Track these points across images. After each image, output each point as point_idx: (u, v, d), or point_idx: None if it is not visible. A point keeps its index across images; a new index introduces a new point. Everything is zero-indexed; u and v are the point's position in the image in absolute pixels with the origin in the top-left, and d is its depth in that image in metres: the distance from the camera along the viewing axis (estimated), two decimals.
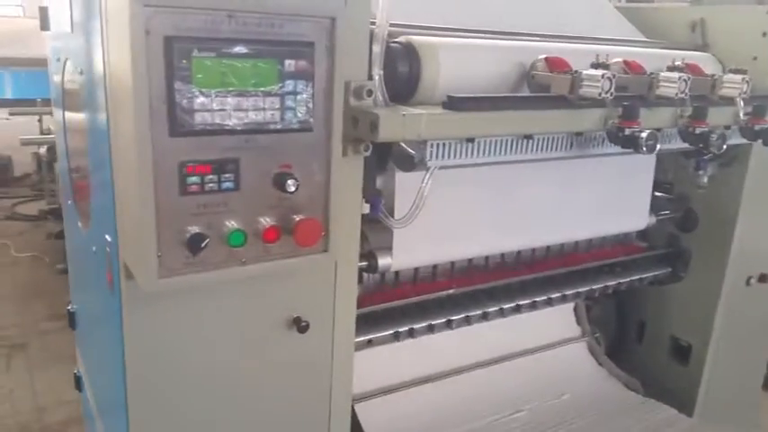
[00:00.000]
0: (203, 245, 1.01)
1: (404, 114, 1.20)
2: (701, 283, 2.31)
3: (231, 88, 0.99)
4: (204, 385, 1.27)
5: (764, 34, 2.04)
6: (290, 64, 1.02)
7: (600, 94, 1.36)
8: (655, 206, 2.31)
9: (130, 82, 0.91)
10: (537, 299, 2.04)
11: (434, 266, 1.87)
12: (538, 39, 1.70)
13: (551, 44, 1.62)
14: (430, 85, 1.42)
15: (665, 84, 1.52)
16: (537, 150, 1.49)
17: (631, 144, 1.44)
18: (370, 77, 1.25)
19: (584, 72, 1.39)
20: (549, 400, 2.31)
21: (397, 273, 1.81)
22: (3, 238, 5.57)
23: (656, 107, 1.57)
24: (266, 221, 1.07)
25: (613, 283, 2.22)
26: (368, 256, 1.67)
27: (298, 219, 1.10)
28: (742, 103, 1.71)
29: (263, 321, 1.29)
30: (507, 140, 1.42)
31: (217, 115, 0.99)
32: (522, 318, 2.24)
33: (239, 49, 0.98)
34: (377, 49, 1.26)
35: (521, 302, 2.00)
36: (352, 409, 1.90)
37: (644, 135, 1.43)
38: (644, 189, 2.18)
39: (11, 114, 6.08)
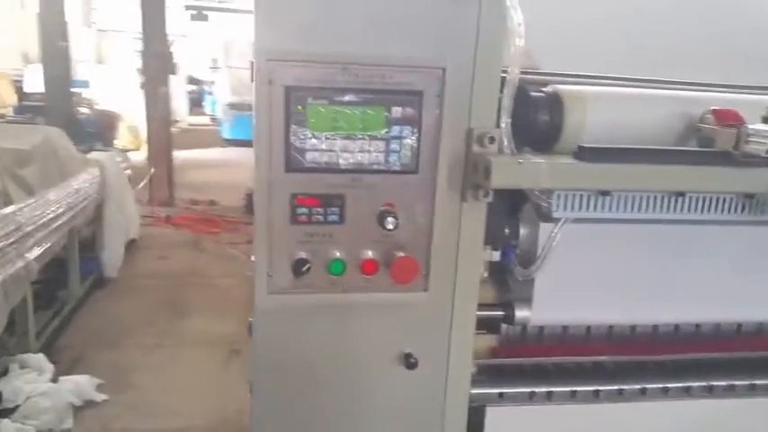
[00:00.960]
0: (304, 269, 1.12)
1: (520, 162, 1.19)
2: None
3: (340, 132, 1.10)
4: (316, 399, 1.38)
5: None
6: (397, 111, 1.10)
7: (767, 152, 1.20)
8: None
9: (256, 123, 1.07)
10: (716, 383, 1.79)
11: (588, 328, 1.76)
12: (722, 90, 1.55)
13: (729, 95, 1.46)
14: (573, 135, 1.38)
15: None
16: (691, 211, 1.34)
17: None
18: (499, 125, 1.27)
19: (752, 126, 1.23)
20: None
21: (542, 329, 1.74)
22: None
23: None
24: (366, 255, 1.15)
25: None
26: (506, 305, 1.64)
27: (396, 255, 1.16)
28: None
29: (374, 352, 1.36)
30: (654, 197, 1.32)
31: (326, 155, 1.10)
32: (736, 404, 1.97)
33: (350, 97, 1.09)
34: (506, 98, 1.28)
35: (693, 384, 1.77)
36: None
37: None
38: None
39: None
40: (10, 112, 11.37)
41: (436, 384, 1.43)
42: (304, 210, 1.12)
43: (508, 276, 1.64)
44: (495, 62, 1.25)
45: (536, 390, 1.70)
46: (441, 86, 1.12)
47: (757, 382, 1.79)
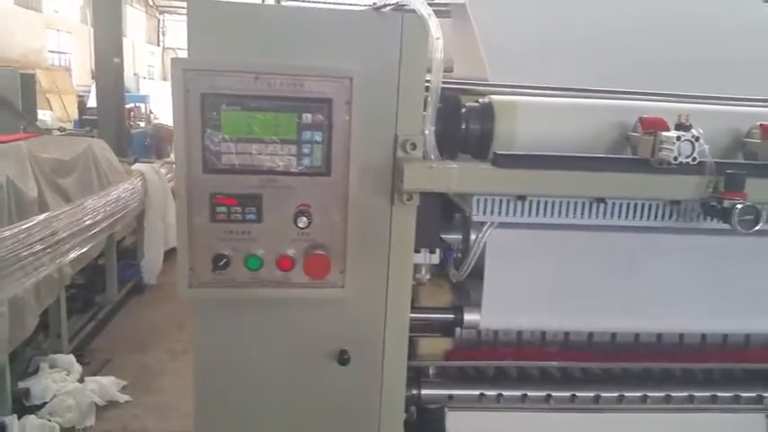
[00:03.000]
0: (222, 264, 1.20)
1: (431, 167, 1.25)
2: None
3: (254, 136, 1.18)
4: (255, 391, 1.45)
5: None
6: (307, 117, 1.18)
7: (675, 158, 1.21)
8: None
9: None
10: (674, 394, 1.78)
11: (543, 334, 1.78)
12: (670, 99, 1.56)
13: (669, 104, 1.47)
14: (505, 143, 1.42)
15: None
16: (614, 217, 1.36)
17: (725, 218, 1.23)
18: None
19: (663, 133, 1.25)
20: None
21: (496, 333, 1.77)
22: None
23: None
24: (282, 251, 1.23)
25: None
26: (456, 309, 1.69)
27: (310, 253, 1.23)
28: None
29: (308, 348, 1.42)
30: (575, 203, 1.34)
31: (240, 157, 1.19)
32: (699, 418, 1.97)
33: (262, 104, 1.17)
34: (430, 107, 1.34)
35: (650, 394, 1.77)
36: None
37: (738, 207, 1.21)
38: None
39: None
40: (71, 125, 12.07)
41: (372, 381, 1.48)
42: (223, 209, 1.21)
43: (467, 281, 1.68)
44: (419, 74, 1.32)
45: (486, 392, 1.73)
46: (349, 95, 1.19)
47: (706, 393, 1.77)
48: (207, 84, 1.16)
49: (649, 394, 1.78)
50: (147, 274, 6.40)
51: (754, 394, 1.85)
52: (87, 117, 11.97)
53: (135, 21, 22.12)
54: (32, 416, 3.74)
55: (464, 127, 1.44)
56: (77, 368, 4.30)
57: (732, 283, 1.72)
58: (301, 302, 1.36)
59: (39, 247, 3.98)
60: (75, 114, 13.49)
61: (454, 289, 1.76)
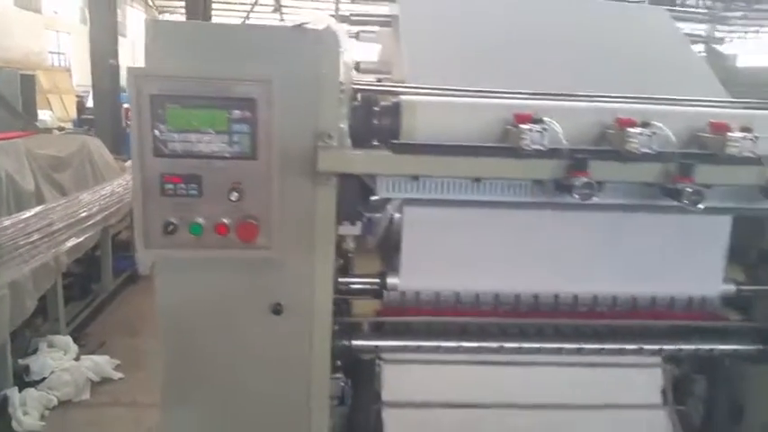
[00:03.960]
0: (170, 229, 1.52)
1: (340, 153, 1.57)
2: None
3: (193, 128, 1.50)
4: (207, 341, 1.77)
5: None
6: (236, 113, 1.50)
7: (528, 145, 1.53)
8: (751, 276, 2.16)
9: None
10: (566, 345, 2.09)
11: (457, 294, 2.08)
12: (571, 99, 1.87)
13: (548, 102, 1.79)
14: (410, 135, 1.74)
15: (632, 138, 1.58)
16: (490, 193, 1.68)
17: (570, 191, 1.55)
18: None
19: (521, 125, 1.57)
20: None
21: (417, 294, 2.08)
22: None
23: (634, 162, 1.62)
24: (219, 220, 1.55)
25: (674, 347, 2.11)
26: (381, 275, 2.01)
27: (241, 221, 1.55)
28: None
29: (251, 302, 1.74)
30: (455, 182, 1.66)
31: (183, 145, 1.51)
32: (602, 371, 2.30)
33: (200, 102, 1.49)
34: (343, 106, 1.66)
35: (547, 345, 2.08)
36: (380, 414, 2.24)
37: (581, 181, 1.53)
38: (714, 253, 2.06)
39: None
40: (71, 125, 12.40)
41: (303, 333, 1.80)
42: (170, 186, 1.53)
43: (395, 252, 2.01)
44: (334, 79, 1.63)
45: (407, 343, 2.05)
46: (269, 95, 1.50)
47: (614, 346, 2.07)
48: (155, 87, 1.48)
49: (548, 345, 2.08)
50: (142, 266, 6.71)
51: (655, 347, 2.13)
52: (86, 117, 12.32)
53: (135, 21, 22.37)
54: (32, 389, 4.07)
55: (377, 122, 1.75)
56: (74, 348, 4.63)
57: (618, 252, 2.04)
58: (244, 264, 1.68)
59: (36, 236, 4.30)
60: (74, 114, 13.84)
61: (385, 258, 2.08)
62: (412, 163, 1.62)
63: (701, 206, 1.56)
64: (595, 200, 1.56)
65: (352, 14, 2.45)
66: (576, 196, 1.53)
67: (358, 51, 3.11)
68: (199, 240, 1.57)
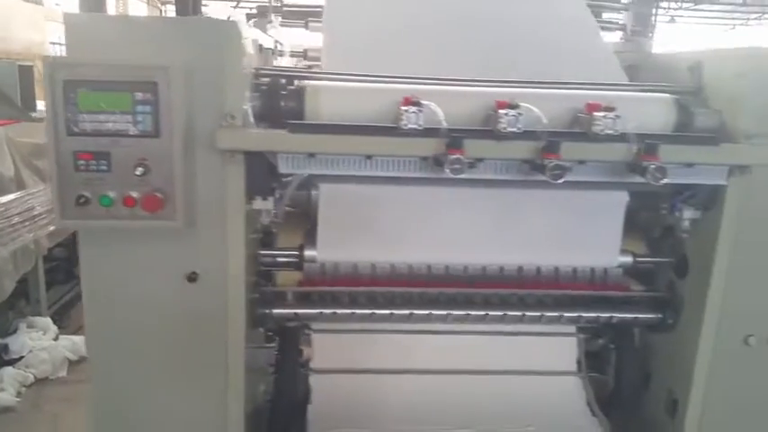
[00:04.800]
0: (82, 201, 1.69)
1: (238, 132, 1.73)
2: (690, 335, 2.19)
3: (102, 109, 1.66)
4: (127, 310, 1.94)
5: (739, 76, 1.96)
6: (139, 95, 1.66)
7: (405, 126, 1.69)
8: (653, 249, 2.31)
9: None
10: (466, 313, 2.24)
11: (373, 266, 2.24)
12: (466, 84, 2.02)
13: (435, 87, 1.94)
14: (313, 117, 1.90)
15: (501, 119, 1.73)
16: (377, 169, 1.83)
17: (442, 167, 1.71)
18: None
19: (402, 107, 1.72)
20: (508, 425, 2.41)
21: (336, 265, 2.23)
22: None
23: (509, 140, 1.77)
24: (127, 193, 1.72)
25: (575, 314, 2.27)
26: (300, 248, 2.18)
27: (147, 194, 1.71)
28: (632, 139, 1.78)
29: (165, 270, 1.91)
30: (348, 159, 1.82)
31: (92, 125, 1.67)
32: (520, 340, 2.47)
33: (107, 86, 1.65)
34: (246, 90, 1.82)
35: (455, 312, 2.24)
36: (307, 379, 2.41)
37: (453, 157, 1.68)
38: (612, 226, 2.20)
39: None
40: None
41: (219, 301, 1.95)
42: (82, 162, 1.69)
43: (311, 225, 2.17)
44: (238, 65, 1.79)
45: (324, 311, 2.22)
46: (168, 79, 1.66)
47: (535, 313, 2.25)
48: (67, 73, 1.64)
49: (456, 313, 2.25)
50: None
51: (574, 314, 2.29)
52: None
53: (137, 12, 22.43)
54: (10, 367, 4.27)
55: (284, 105, 1.91)
56: (53, 329, 4.83)
57: (520, 226, 2.20)
58: (161, 235, 1.85)
59: (16, 219, 4.50)
60: None
61: (308, 233, 2.24)
62: (305, 141, 1.78)
63: (560, 181, 1.71)
64: (467, 175, 1.72)
65: (284, 6, 2.60)
66: (448, 171, 1.69)
67: (308, 39, 3.27)
68: (109, 212, 1.73)
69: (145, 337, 1.98)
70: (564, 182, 1.93)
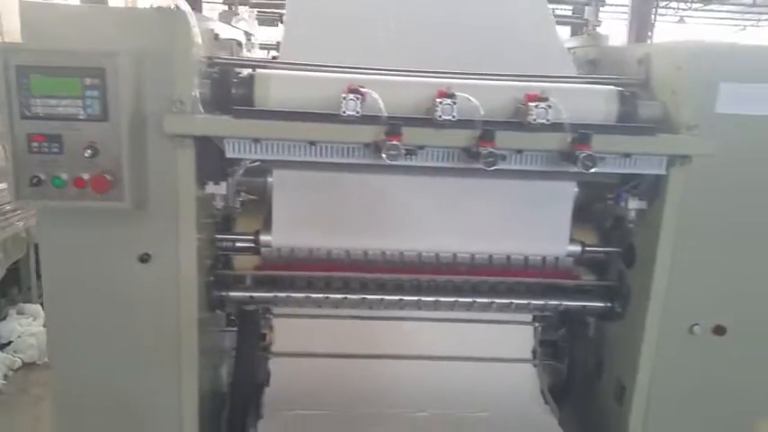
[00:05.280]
0: (35, 182, 1.77)
1: (183, 117, 1.80)
2: (637, 324, 2.24)
3: (52, 94, 1.74)
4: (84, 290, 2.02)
5: (679, 68, 2.01)
6: (87, 81, 1.74)
7: (344, 112, 1.76)
8: (604, 239, 2.36)
9: None
10: (424, 298, 2.31)
11: (329, 251, 2.30)
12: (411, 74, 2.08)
13: (380, 77, 2.00)
14: (262, 104, 1.97)
15: (437, 108, 1.79)
16: (320, 155, 1.90)
17: (380, 153, 1.77)
18: None
19: (342, 95, 1.79)
20: (461, 410, 2.47)
21: (292, 250, 2.30)
22: None
23: (447, 129, 1.83)
24: (78, 174, 1.79)
25: (525, 301, 2.33)
26: (255, 233, 2.25)
27: (96, 175, 1.79)
28: (566, 129, 1.84)
29: (118, 250, 1.99)
30: (293, 144, 1.89)
31: (44, 109, 1.75)
32: (478, 328, 2.53)
33: (58, 72, 1.73)
34: (195, 77, 1.88)
35: (406, 298, 2.30)
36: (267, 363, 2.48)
37: (389, 143, 1.74)
38: (560, 216, 2.26)
39: None
40: None
41: (171, 281, 2.02)
42: (35, 144, 1.77)
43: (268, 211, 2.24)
44: (187, 53, 1.85)
45: (279, 294, 2.29)
46: (115, 65, 1.73)
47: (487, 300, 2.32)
48: (20, 59, 1.72)
49: (404, 298, 2.31)
50: None
51: (524, 301, 2.35)
52: None
53: (145, 5, 22.54)
54: None
55: (234, 92, 1.98)
56: (42, 315, 4.92)
57: (471, 214, 2.26)
58: (115, 216, 1.92)
59: (8, 207, 4.60)
60: None
61: (266, 219, 2.31)
62: (250, 127, 1.84)
63: (492, 168, 1.77)
64: (409, 162, 1.79)
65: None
66: (385, 156, 1.75)
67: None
68: (61, 192, 1.81)
69: (100, 316, 2.05)
70: (515, 171, 2.01)
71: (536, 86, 1.93)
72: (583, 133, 1.81)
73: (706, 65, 1.96)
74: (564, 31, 3.38)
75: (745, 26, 26.00)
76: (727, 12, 23.45)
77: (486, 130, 1.80)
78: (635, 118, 2.04)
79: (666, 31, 23.51)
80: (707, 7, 21.76)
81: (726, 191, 2.05)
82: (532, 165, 1.93)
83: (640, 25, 9.95)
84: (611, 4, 18.85)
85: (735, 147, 1.99)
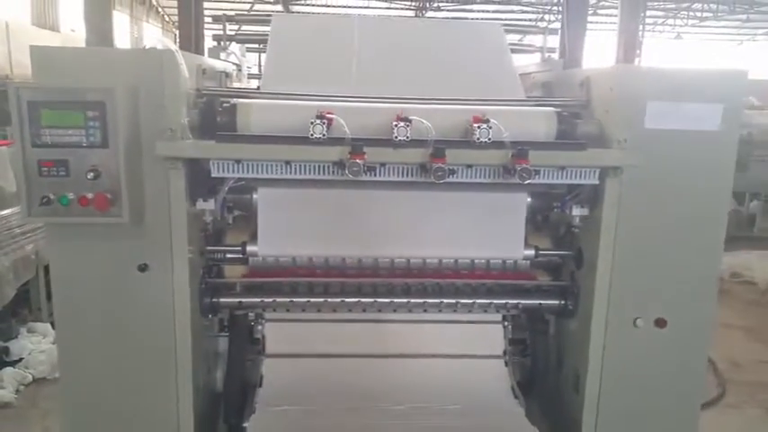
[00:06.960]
0: (44, 201, 2.04)
1: (173, 142, 2.07)
2: (586, 319, 2.47)
3: (59, 125, 2.02)
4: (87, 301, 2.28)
5: (611, 89, 2.27)
6: (90, 113, 2.01)
7: (312, 135, 2.03)
8: (557, 244, 2.61)
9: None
10: (397, 300, 2.55)
11: (310, 259, 2.56)
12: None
13: (351, 104, 2.27)
14: (244, 130, 2.24)
15: (395, 130, 2.06)
16: (296, 173, 2.16)
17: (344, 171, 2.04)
18: None
19: (311, 119, 2.06)
20: (437, 403, 2.69)
21: (277, 259, 2.55)
22: None
23: (404, 148, 2.10)
24: (82, 194, 2.06)
25: (488, 301, 2.58)
26: (242, 244, 2.51)
27: (98, 195, 2.06)
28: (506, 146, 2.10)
29: (120, 261, 2.25)
30: (270, 164, 2.15)
31: (52, 138, 2.03)
32: (453, 327, 2.77)
33: (64, 106, 2.01)
34: (186, 107, 2.16)
35: (379, 300, 2.55)
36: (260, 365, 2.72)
37: (350, 161, 2.01)
38: (515, 223, 2.51)
39: None
40: None
41: (166, 288, 2.28)
42: (45, 168, 2.04)
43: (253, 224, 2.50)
44: (177, 86, 2.13)
45: (265, 299, 2.54)
46: (113, 100, 2.01)
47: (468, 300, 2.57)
48: (31, 95, 2.00)
49: (382, 300, 2.55)
50: None
51: (487, 301, 2.60)
52: None
53: (152, 36, 23.09)
54: (9, 367, 4.62)
55: (219, 120, 2.26)
56: (52, 333, 5.17)
57: (436, 223, 2.51)
58: (116, 231, 2.19)
59: (17, 231, 4.88)
60: None
61: (253, 232, 2.57)
62: (231, 150, 2.12)
63: (441, 182, 2.03)
64: (366, 177, 2.05)
65: (237, 34, 2.97)
66: (348, 173, 2.01)
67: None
68: (67, 209, 2.08)
69: (104, 322, 2.30)
70: (475, 184, 2.26)
71: (483, 110, 2.19)
72: (520, 149, 2.07)
73: (634, 86, 2.21)
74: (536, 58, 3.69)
75: (741, 41, 26.38)
76: (723, 27, 23.84)
77: (437, 148, 2.06)
78: (574, 135, 2.29)
79: (663, 47, 23.89)
80: (703, 24, 22.15)
81: (658, 196, 2.30)
82: (481, 178, 2.18)
83: (628, 42, 10.24)
84: (602, 22, 19.40)
85: (663, 157, 2.24)
